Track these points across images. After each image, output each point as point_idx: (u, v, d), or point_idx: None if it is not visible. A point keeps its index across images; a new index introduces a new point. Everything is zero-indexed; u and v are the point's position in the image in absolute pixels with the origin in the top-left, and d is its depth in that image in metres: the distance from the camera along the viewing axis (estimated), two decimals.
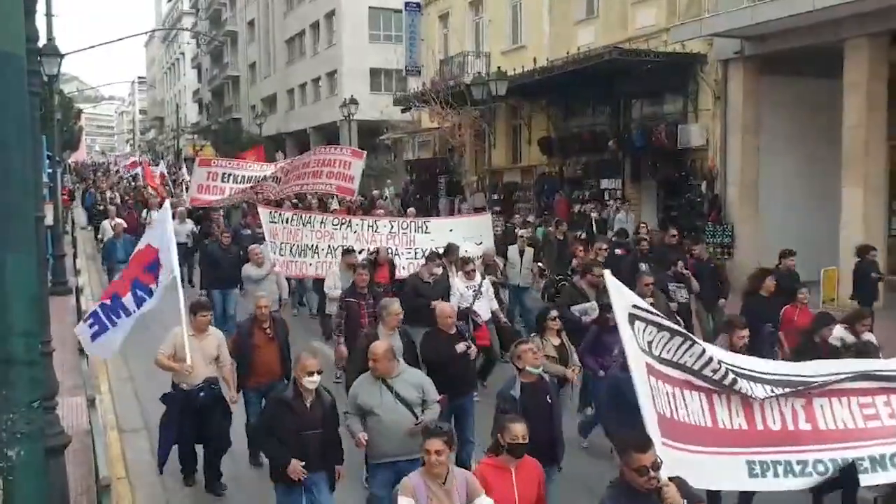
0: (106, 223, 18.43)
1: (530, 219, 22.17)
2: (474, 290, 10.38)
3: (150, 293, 8.01)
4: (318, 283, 13.04)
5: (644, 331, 5.00)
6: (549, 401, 6.24)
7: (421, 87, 28.17)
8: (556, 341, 8.07)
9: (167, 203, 9.06)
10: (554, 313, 8.26)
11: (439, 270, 10.78)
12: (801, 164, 17.71)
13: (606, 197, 22.22)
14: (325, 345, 12.27)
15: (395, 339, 7.37)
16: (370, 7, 41.91)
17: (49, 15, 17.13)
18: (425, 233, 13.05)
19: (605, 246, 12.92)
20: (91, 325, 8.33)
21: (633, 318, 4.97)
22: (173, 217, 19.73)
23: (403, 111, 31.12)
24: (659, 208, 20.83)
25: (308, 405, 6.01)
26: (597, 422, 8.46)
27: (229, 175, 18.18)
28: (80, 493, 7.00)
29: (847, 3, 13.59)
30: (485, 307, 10.59)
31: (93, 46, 47.49)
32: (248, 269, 11.98)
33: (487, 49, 27.17)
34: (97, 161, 75.32)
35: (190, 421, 7.55)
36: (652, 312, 5.20)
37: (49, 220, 15.47)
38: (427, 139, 31.51)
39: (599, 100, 22.27)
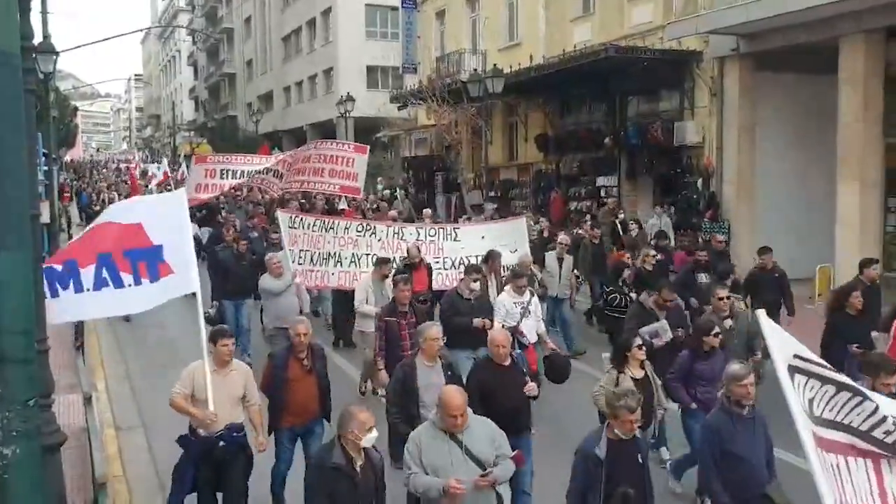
0: None
1: (534, 222, 22.20)
2: (522, 308, 9.28)
3: (120, 283, 6.44)
4: (337, 292, 12.44)
5: (805, 386, 4.14)
6: (641, 462, 5.28)
7: (417, 85, 28.16)
8: (640, 373, 6.97)
9: (182, 191, 7.57)
10: (638, 341, 7.13)
11: (476, 286, 9.50)
12: (798, 161, 17.74)
13: (602, 194, 22.27)
14: (334, 353, 11.96)
15: (437, 373, 6.66)
16: (366, 4, 41.91)
17: (44, 12, 17.12)
18: (455, 241, 12.01)
19: (652, 253, 12.04)
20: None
21: (793, 370, 4.08)
22: None
23: (400, 108, 31.09)
24: (655, 205, 20.85)
25: (359, 469, 5.07)
26: (691, 464, 7.20)
27: (227, 171, 17.23)
28: (76, 492, 6.99)
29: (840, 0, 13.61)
30: (532, 327, 9.40)
31: (88, 44, 47.34)
32: (267, 282, 10.61)
33: (484, 46, 27.16)
34: (97, 160, 75.13)
35: (207, 470, 6.46)
36: (815, 362, 4.26)
37: (45, 218, 15.47)
38: (424, 136, 31.49)
39: (596, 97, 22.28)
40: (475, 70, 24.73)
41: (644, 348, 7.13)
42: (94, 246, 6.54)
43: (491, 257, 10.99)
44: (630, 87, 20.79)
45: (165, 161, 40.09)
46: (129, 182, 29.49)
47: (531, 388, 6.70)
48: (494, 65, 23.22)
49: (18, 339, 2.88)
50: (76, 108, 57.61)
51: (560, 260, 12.74)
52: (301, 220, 11.69)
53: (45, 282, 6.24)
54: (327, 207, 21.36)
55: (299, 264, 11.20)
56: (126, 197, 21.53)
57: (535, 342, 9.37)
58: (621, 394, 5.23)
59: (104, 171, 46.68)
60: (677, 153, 19.37)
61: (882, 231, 16.23)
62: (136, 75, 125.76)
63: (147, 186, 30.42)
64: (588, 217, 18.62)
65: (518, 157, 26.54)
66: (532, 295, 9.59)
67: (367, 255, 11.45)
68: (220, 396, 6.37)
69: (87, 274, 6.37)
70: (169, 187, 30.54)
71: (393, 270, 10.39)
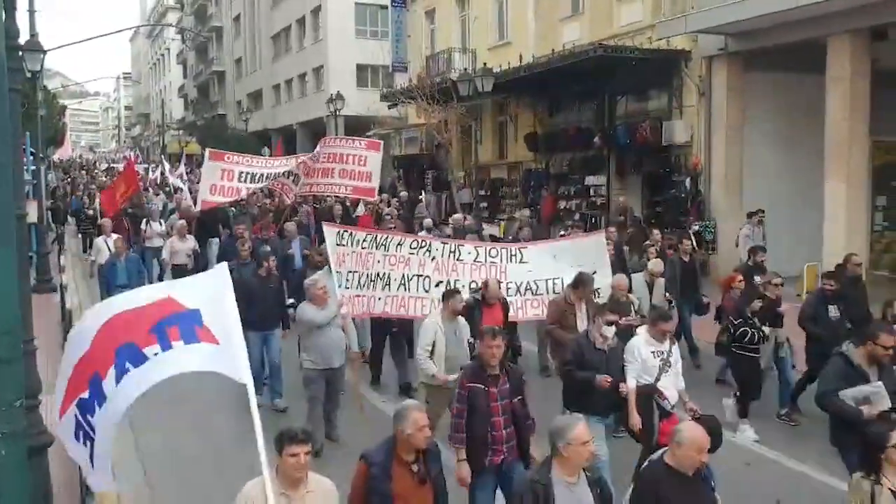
0: (101, 241, 15.07)
1: (516, 214, 22.24)
2: (662, 360, 7.18)
3: (143, 359, 4.31)
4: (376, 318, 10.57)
5: None
6: None
7: (407, 83, 28.15)
8: None
9: (224, 266, 4.79)
10: None
11: (611, 333, 7.25)
12: (785, 160, 17.82)
13: (591, 193, 22.32)
14: (370, 390, 10.57)
15: (582, 492, 4.66)
16: (356, 3, 41.86)
17: (31, 11, 17.00)
18: (521, 262, 10.16)
19: (778, 280, 9.76)
20: (78, 439, 4.58)
21: None
22: (169, 231, 16.54)
23: (390, 107, 31.07)
24: (644, 204, 20.93)
25: None
26: None
27: (246, 174, 15.06)
28: (63, 493, 6.96)
29: None
30: (673, 384, 7.24)
31: (77, 42, 47.05)
32: (308, 312, 8.57)
33: (473, 45, 27.18)
34: (86, 159, 74.48)
35: None
36: None
37: (33, 218, 15.40)
38: (414, 135, 31.48)
39: (585, 96, 22.32)
40: (465, 69, 24.77)
41: None
42: (110, 344, 4.44)
43: (581, 283, 9.01)
44: (619, 87, 20.83)
45: (165, 162, 38.41)
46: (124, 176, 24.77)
47: None
48: (484, 64, 23.25)
49: (3, 339, 2.87)
50: (64, 107, 57.31)
51: (650, 282, 10.55)
52: (350, 235, 9.84)
53: (75, 429, 4.49)
54: (341, 212, 19.28)
55: (346, 288, 9.43)
56: (126, 196, 19.71)
57: (675, 404, 7.14)
58: None
59: (95, 171, 45.70)
60: (666, 152, 19.44)
61: (869, 229, 16.36)
62: (124, 74, 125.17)
63: (165, 188, 29.19)
64: (676, 232, 15.79)
65: (508, 155, 26.57)
66: (673, 342, 7.48)
67: (419, 276, 9.84)
68: None
69: (109, 379, 4.33)
70: (167, 188, 28.88)
71: (462, 302, 8.48)
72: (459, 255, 10.01)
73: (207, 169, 15.38)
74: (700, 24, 16.70)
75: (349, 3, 41.79)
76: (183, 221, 15.81)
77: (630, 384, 6.99)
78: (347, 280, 9.48)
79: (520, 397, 6.10)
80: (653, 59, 18.61)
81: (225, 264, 4.61)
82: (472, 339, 7.96)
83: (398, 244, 9.88)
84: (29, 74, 16.95)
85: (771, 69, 17.54)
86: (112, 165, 47.34)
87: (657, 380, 7.07)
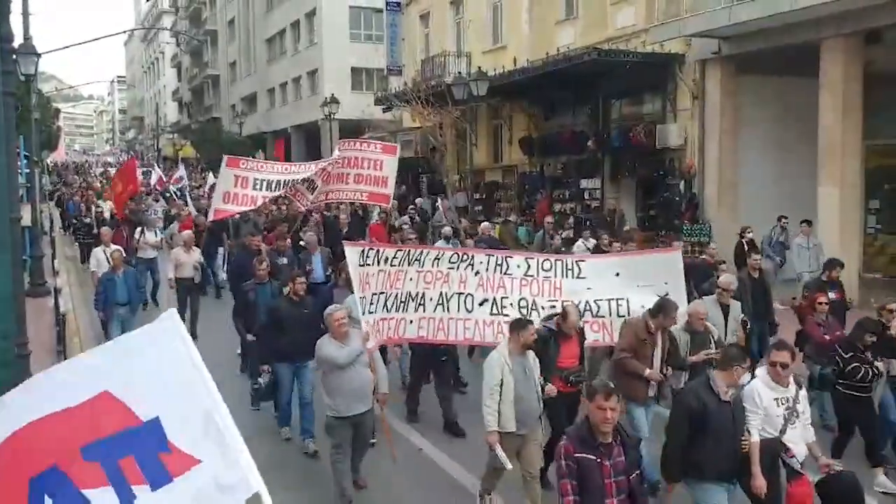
0: (99, 251, 13.70)
1: (511, 218, 22.25)
2: (787, 408, 5.96)
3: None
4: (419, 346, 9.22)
5: None
6: None
7: (402, 87, 28.16)
8: None
9: (173, 312, 3.27)
10: None
11: (744, 379, 5.98)
12: (779, 163, 17.87)
13: (586, 196, 22.35)
14: (408, 429, 9.24)
15: None
16: (351, 6, 41.88)
17: (26, 14, 17.01)
18: (578, 277, 8.76)
19: (892, 306, 8.25)
20: None
21: None
22: (168, 241, 16.23)
23: (385, 111, 31.10)
24: (638, 207, 20.99)
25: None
26: None
27: (262, 181, 14.11)
28: None
29: (823, 3, 13.73)
30: (801, 438, 6.04)
31: (71, 45, 47.08)
32: (328, 348, 7.18)
33: (468, 49, 27.21)
34: (79, 162, 74.19)
35: None
36: None
37: (26, 221, 15.36)
38: (409, 138, 31.51)
39: (579, 100, 22.36)
40: (459, 73, 24.79)
41: None
42: (20, 468, 2.87)
43: (664, 310, 7.47)
44: (613, 90, 20.89)
45: (158, 169, 37.59)
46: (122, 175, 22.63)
47: None
48: (479, 67, 23.29)
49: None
50: (58, 111, 57.22)
51: (724, 307, 8.85)
52: (377, 252, 8.31)
53: None
54: (358, 214, 18.73)
55: (370, 313, 8.05)
56: (124, 196, 19.11)
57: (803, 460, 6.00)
58: None
59: (91, 175, 44.95)
60: (660, 155, 19.48)
61: (862, 232, 16.40)
62: (119, 77, 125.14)
63: (167, 194, 27.94)
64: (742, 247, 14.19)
65: (503, 159, 26.60)
66: (799, 386, 6.18)
67: (460, 294, 8.54)
68: None
69: None
70: (167, 194, 28.06)
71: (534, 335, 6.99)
72: (507, 268, 8.74)
73: (222, 176, 14.58)
74: (694, 27, 16.74)
75: (344, 7, 41.81)
76: (189, 232, 14.63)
77: (753, 439, 5.73)
78: (372, 304, 8.08)
79: (637, 472, 4.96)
80: (647, 62, 18.65)
81: (173, 311, 3.24)
82: (542, 380, 6.90)
83: (435, 259, 8.61)
84: (23, 78, 16.99)
85: (765, 72, 17.60)
86: (107, 169, 46.88)
87: (782, 432, 5.86)
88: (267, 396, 8.85)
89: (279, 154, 46.43)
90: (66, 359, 10.79)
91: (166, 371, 3.03)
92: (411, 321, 8.41)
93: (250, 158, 15.65)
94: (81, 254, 20.89)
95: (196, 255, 13.85)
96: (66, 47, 43.49)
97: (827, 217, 15.30)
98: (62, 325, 11.18)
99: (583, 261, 9.20)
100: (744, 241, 14.40)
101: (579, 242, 14.74)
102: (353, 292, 8.29)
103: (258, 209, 16.56)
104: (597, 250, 13.07)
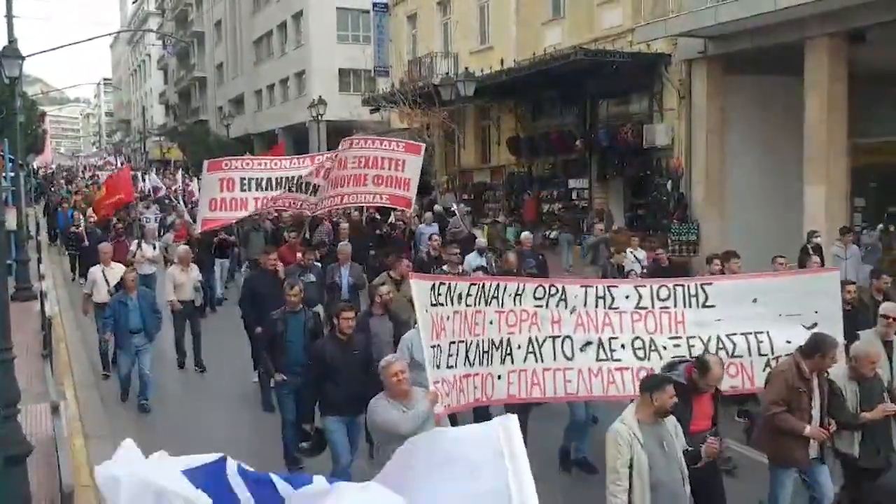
0: (97, 271, 11.69)
1: (500, 218, 22.28)
2: None
3: None
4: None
5: None
6: None
7: (390, 88, 28.15)
8: None
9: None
10: None
11: None
12: (766, 162, 17.95)
13: (574, 197, 22.41)
14: None
15: None
16: (338, 7, 41.79)
17: (10, 16, 16.88)
18: (704, 305, 6.94)
19: None
20: None
21: None
22: (165, 257, 13.97)
23: (373, 111, 31.08)
24: (626, 207, 21.06)
25: None
26: None
27: (249, 180, 12.87)
28: (43, 502, 6.90)
29: (806, 3, 13.81)
30: None
31: (56, 48, 46.78)
32: (386, 413, 5.63)
33: (455, 50, 27.22)
34: (70, 167, 73.39)
35: None
36: None
37: (11, 225, 15.24)
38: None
39: (567, 100, 22.42)
40: (447, 73, 24.80)
41: None
42: None
43: (821, 348, 5.99)
44: (600, 90, 20.95)
45: (153, 174, 35.95)
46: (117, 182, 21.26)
47: None
48: (466, 68, 23.31)
49: None
50: (44, 113, 56.83)
51: (887, 343, 6.93)
52: (449, 289, 6.28)
53: None
54: (372, 217, 17.01)
55: (448, 367, 6.15)
56: (117, 204, 17.97)
57: None
58: None
59: (79, 180, 43.27)
60: (647, 155, 19.55)
61: None
62: (105, 80, 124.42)
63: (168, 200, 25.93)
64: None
65: (491, 159, 26.64)
66: None
67: (555, 338, 6.73)
68: None
69: None
70: (167, 201, 25.77)
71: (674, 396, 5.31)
72: (612, 301, 6.89)
73: (206, 182, 13.40)
74: (679, 27, 16.80)
75: (331, 8, 41.73)
76: (185, 247, 12.62)
77: None
78: (451, 355, 6.19)
79: None
80: (633, 62, 18.71)
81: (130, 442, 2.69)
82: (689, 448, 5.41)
83: (516, 294, 6.67)
84: (7, 80, 16.88)
85: (751, 72, 17.67)
86: (96, 174, 46.00)
87: None
88: (315, 451, 7.15)
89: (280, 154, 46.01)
90: (51, 362, 10.76)
91: None
92: (499, 376, 6.55)
93: (233, 158, 14.49)
94: (72, 266, 19.44)
95: (195, 273, 12.09)
96: (52, 49, 43.19)
97: (813, 215, 15.40)
98: (48, 329, 11.09)
99: (709, 284, 7.20)
100: (810, 245, 12.87)
101: (628, 252, 12.92)
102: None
103: (261, 214, 15.27)
104: (654, 266, 11.77)
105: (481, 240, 14.39)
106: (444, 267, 10.74)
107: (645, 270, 12.31)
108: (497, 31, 25.29)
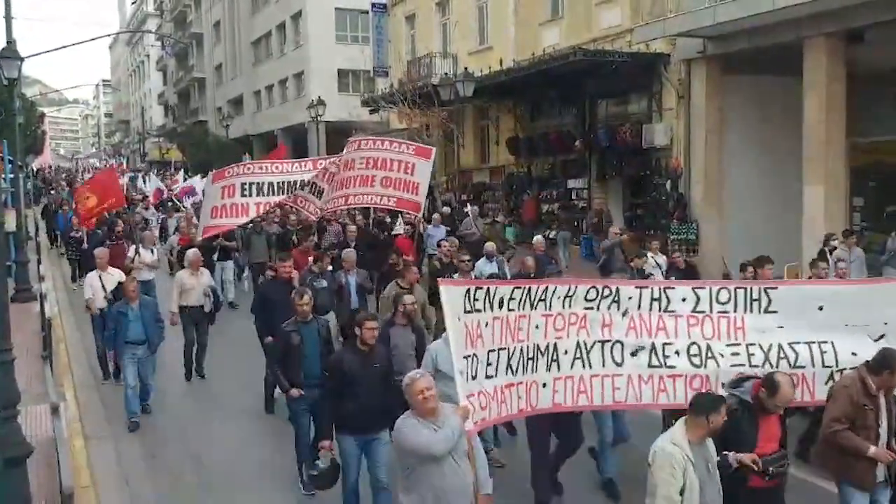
0: (94, 276, 11.36)
1: (499, 218, 22.30)
2: None
3: None
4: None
5: None
6: None
7: (389, 88, 28.16)
8: None
9: None
10: None
11: None
12: (765, 162, 17.96)
13: (573, 197, 22.43)
14: None
15: None
16: (336, 8, 41.84)
17: (8, 17, 16.87)
18: (766, 311, 6.45)
19: None
20: None
21: None
22: (178, 261, 13.16)
23: (372, 112, 31.10)
24: (625, 207, 21.07)
25: None
26: None
27: (251, 185, 12.70)
28: (44, 503, 6.91)
29: (805, 2, 13.82)
30: None
31: (55, 49, 46.75)
32: (416, 434, 5.06)
33: (454, 50, 27.23)
34: (69, 168, 73.25)
35: None
36: None
37: (11, 227, 15.25)
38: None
39: (566, 100, 22.43)
40: (446, 74, 24.82)
41: None
42: None
43: (891, 365, 5.61)
44: (599, 90, 20.96)
45: (154, 177, 34.92)
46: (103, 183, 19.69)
47: None
48: (465, 68, 23.32)
49: None
50: (43, 114, 56.85)
51: None
52: (487, 294, 5.73)
53: None
54: (381, 220, 16.85)
55: (487, 377, 5.65)
56: (106, 208, 17.58)
57: None
58: None
59: (78, 182, 42.72)
60: (646, 155, 19.55)
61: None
62: (104, 81, 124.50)
63: (170, 203, 25.37)
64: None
65: (490, 159, 26.65)
66: None
67: (604, 343, 6.31)
68: None
69: None
70: (170, 203, 25.22)
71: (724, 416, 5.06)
72: (668, 303, 6.42)
73: (209, 192, 13.28)
74: (678, 27, 16.81)
75: (329, 9, 41.77)
76: (195, 251, 11.80)
77: None
78: (490, 364, 5.68)
79: None
80: (632, 62, 18.71)
81: None
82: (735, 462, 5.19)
83: (566, 296, 6.20)
84: (6, 82, 16.87)
85: (749, 71, 17.68)
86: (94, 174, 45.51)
87: None
88: (329, 482, 6.58)
89: (281, 157, 45.92)
90: (51, 363, 10.75)
91: None
92: (544, 384, 6.08)
93: (235, 165, 14.26)
94: (73, 271, 18.98)
95: (206, 278, 11.46)
96: (50, 51, 43.19)
97: (812, 215, 15.40)
98: (48, 330, 11.10)
99: (774, 288, 6.62)
100: (827, 249, 12.64)
101: (648, 256, 12.33)
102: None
103: (264, 218, 14.99)
104: (672, 268, 11.45)
105: (489, 244, 13.61)
106: (456, 275, 10.29)
107: (664, 276, 11.74)
108: (496, 32, 25.31)
